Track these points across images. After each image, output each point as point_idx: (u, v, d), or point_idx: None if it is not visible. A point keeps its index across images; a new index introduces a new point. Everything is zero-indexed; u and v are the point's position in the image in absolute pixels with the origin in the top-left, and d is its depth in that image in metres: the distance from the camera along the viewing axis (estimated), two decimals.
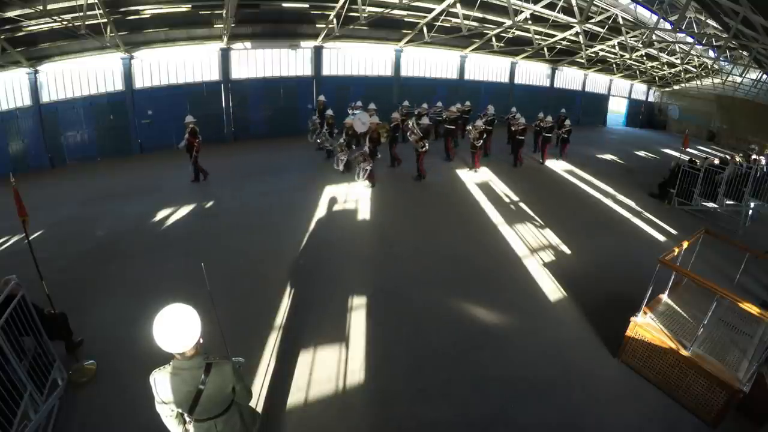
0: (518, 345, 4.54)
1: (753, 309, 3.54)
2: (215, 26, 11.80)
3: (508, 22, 13.00)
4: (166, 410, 2.12)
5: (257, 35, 12.90)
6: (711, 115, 22.98)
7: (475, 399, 3.78)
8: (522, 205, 9.06)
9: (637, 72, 21.84)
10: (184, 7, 10.76)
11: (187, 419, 2.15)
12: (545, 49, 17.16)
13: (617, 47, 16.90)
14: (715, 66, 18.62)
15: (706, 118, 23.21)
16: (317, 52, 14.16)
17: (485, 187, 10.05)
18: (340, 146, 10.13)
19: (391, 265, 6.05)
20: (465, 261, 6.32)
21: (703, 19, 12.72)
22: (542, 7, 12.74)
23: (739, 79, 18.78)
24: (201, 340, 2.08)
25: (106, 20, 9.29)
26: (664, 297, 4.62)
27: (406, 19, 14.08)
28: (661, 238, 7.95)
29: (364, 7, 11.62)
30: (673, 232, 8.23)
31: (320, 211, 7.91)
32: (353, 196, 8.82)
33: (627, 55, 17.22)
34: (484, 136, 11.50)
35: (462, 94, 16.39)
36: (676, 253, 4.42)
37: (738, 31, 9.35)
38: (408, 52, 15.85)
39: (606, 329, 4.78)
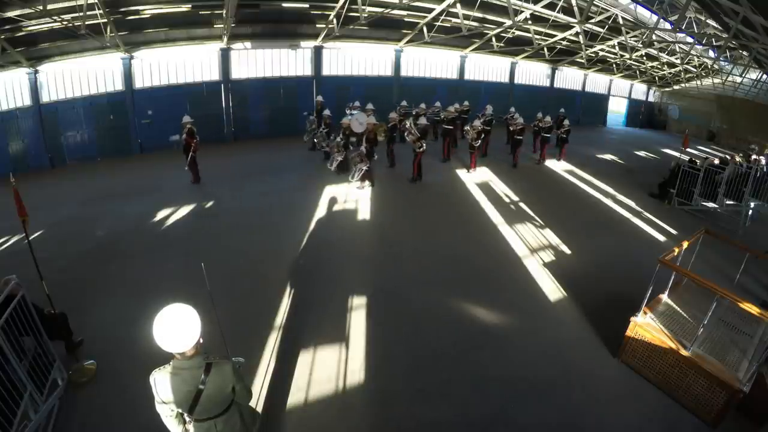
0: (518, 345, 4.54)
1: (753, 309, 3.55)
2: (215, 26, 11.80)
3: (508, 22, 13.00)
4: (166, 410, 2.13)
5: (257, 35, 12.90)
6: (711, 115, 22.96)
7: (475, 399, 3.78)
8: (522, 205, 9.06)
9: (637, 72, 21.82)
10: (184, 7, 10.76)
11: (187, 419, 2.15)
12: (545, 49, 17.15)
13: (617, 47, 16.89)
14: (715, 66, 18.61)
15: (706, 118, 23.20)
16: (317, 52, 14.16)
17: (485, 187, 10.05)
18: (336, 146, 10.12)
19: (390, 265, 6.05)
20: (465, 261, 6.32)
21: (703, 19, 12.72)
22: (542, 7, 12.74)
23: (739, 79, 18.76)
24: (201, 340, 2.08)
25: (106, 20, 9.28)
26: (664, 297, 4.62)
27: (406, 19, 14.08)
28: (661, 238, 7.95)
29: (364, 7, 11.62)
30: (673, 232, 8.23)
31: (320, 211, 7.92)
32: (353, 196, 8.82)
33: (627, 55, 17.21)
34: (482, 136, 11.52)
35: (462, 94, 16.37)
36: (676, 253, 4.42)
37: (738, 31, 9.34)
38: (408, 52, 15.84)
39: (606, 329, 4.78)
